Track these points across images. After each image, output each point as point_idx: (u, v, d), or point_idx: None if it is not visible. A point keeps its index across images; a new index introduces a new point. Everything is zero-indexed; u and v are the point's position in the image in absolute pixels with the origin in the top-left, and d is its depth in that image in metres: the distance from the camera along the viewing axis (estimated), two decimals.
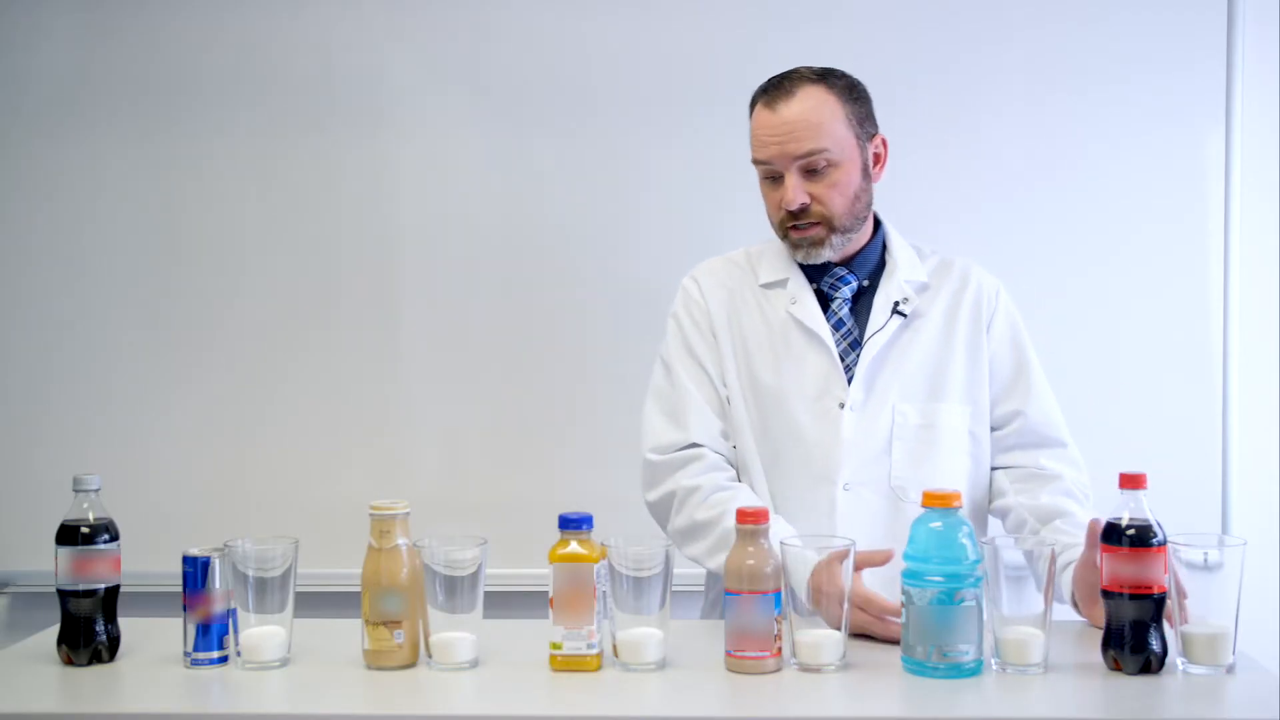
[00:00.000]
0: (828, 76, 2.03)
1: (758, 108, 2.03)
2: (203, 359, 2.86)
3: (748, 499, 1.97)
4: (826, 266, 2.08)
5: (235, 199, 2.86)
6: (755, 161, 2.04)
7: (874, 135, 2.07)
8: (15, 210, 2.89)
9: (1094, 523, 1.76)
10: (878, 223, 2.13)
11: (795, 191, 1.99)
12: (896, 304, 2.05)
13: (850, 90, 2.04)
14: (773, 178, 2.02)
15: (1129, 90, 2.75)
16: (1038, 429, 2.06)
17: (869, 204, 2.07)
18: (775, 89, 2.02)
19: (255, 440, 2.86)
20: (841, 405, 2.01)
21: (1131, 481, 1.61)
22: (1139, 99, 2.75)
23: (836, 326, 2.06)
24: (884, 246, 2.11)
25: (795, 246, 2.04)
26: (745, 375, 2.07)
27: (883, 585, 1.75)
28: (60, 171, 2.88)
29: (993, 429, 2.07)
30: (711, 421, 2.06)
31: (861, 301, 2.08)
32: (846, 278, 2.07)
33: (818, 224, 2.01)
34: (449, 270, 2.84)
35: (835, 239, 2.02)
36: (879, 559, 1.73)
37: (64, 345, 2.88)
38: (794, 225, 2.02)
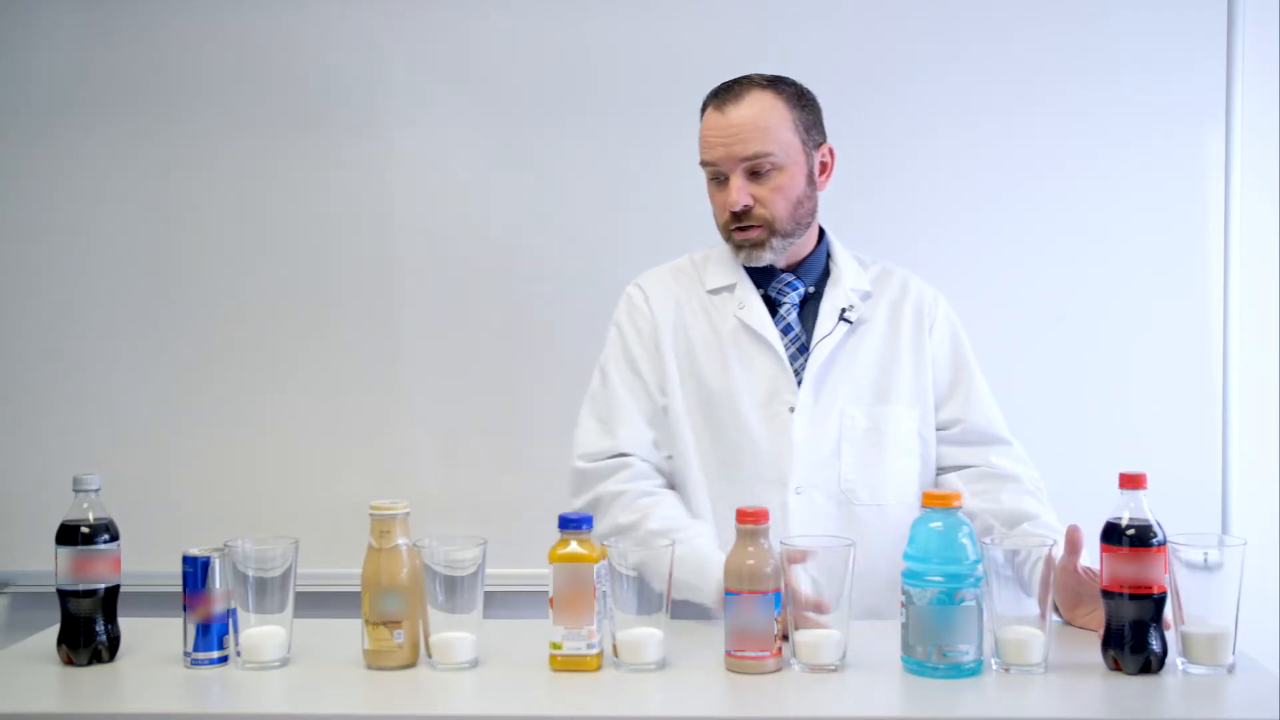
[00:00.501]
0: (777, 83, 2.06)
1: (708, 111, 2.06)
2: (203, 359, 2.86)
3: (670, 506, 2.00)
4: (774, 272, 2.10)
5: (235, 199, 2.86)
6: (703, 163, 2.06)
7: (821, 144, 2.09)
8: (15, 210, 2.89)
9: (1072, 529, 1.76)
10: (822, 232, 2.16)
11: (739, 193, 2.02)
12: (843, 310, 2.08)
13: (799, 98, 2.07)
14: (718, 179, 2.05)
15: (1129, 90, 2.75)
16: (982, 429, 2.09)
17: (813, 210, 2.09)
18: (725, 93, 2.05)
19: (255, 440, 2.86)
20: (791, 409, 2.04)
21: (1131, 481, 1.61)
22: (1139, 99, 2.75)
23: (785, 331, 2.08)
24: (828, 255, 2.14)
25: (738, 248, 2.07)
26: (692, 382, 2.08)
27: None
28: (60, 171, 2.88)
29: (937, 430, 2.10)
30: (643, 431, 2.08)
31: (808, 308, 2.11)
32: (794, 284, 2.10)
33: (760, 226, 2.04)
34: (449, 270, 2.84)
35: (776, 242, 2.05)
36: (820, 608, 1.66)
37: (64, 345, 2.88)
38: (737, 227, 2.05)
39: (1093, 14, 2.75)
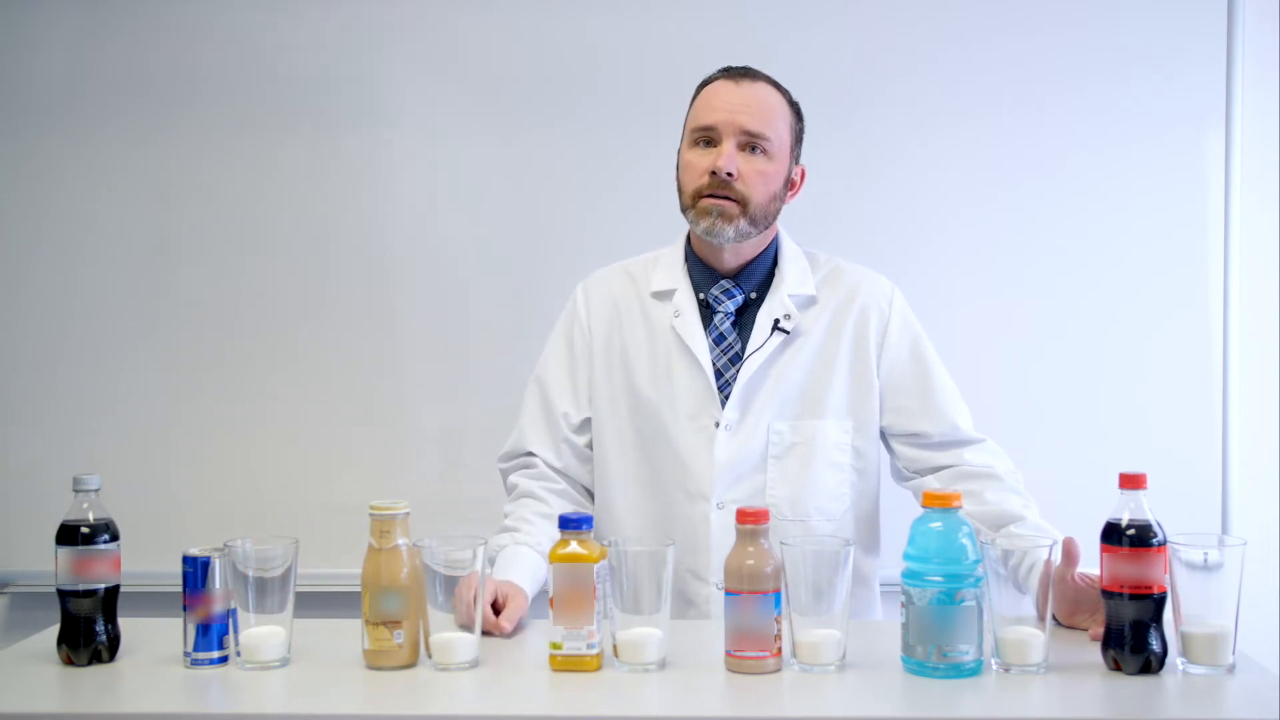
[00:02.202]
0: (781, 88, 2.09)
1: (716, 82, 2.08)
2: (203, 359, 2.86)
3: (534, 512, 2.05)
4: (714, 277, 2.09)
5: (234, 199, 2.86)
6: (695, 128, 2.06)
7: (799, 160, 2.12)
8: (14, 210, 2.89)
9: (1068, 541, 1.75)
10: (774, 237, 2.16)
11: (729, 157, 2.01)
12: (778, 321, 2.06)
13: (797, 110, 2.11)
14: (708, 143, 2.05)
15: (1129, 90, 2.75)
16: (950, 432, 2.08)
17: (776, 214, 2.10)
18: (740, 72, 2.08)
19: (255, 440, 2.85)
20: (716, 424, 2.04)
21: (1131, 481, 1.61)
22: (1139, 99, 2.75)
23: (718, 340, 2.08)
24: (774, 259, 2.12)
25: (703, 215, 2.04)
26: (623, 389, 2.10)
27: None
28: (59, 171, 2.87)
29: (906, 441, 2.09)
30: (550, 436, 2.13)
31: (746, 315, 2.10)
32: (732, 291, 2.09)
33: (735, 200, 2.02)
34: (449, 270, 2.84)
35: (742, 224, 2.03)
36: None
37: (64, 345, 2.88)
38: (712, 193, 2.02)
39: (1092, 15, 2.75)
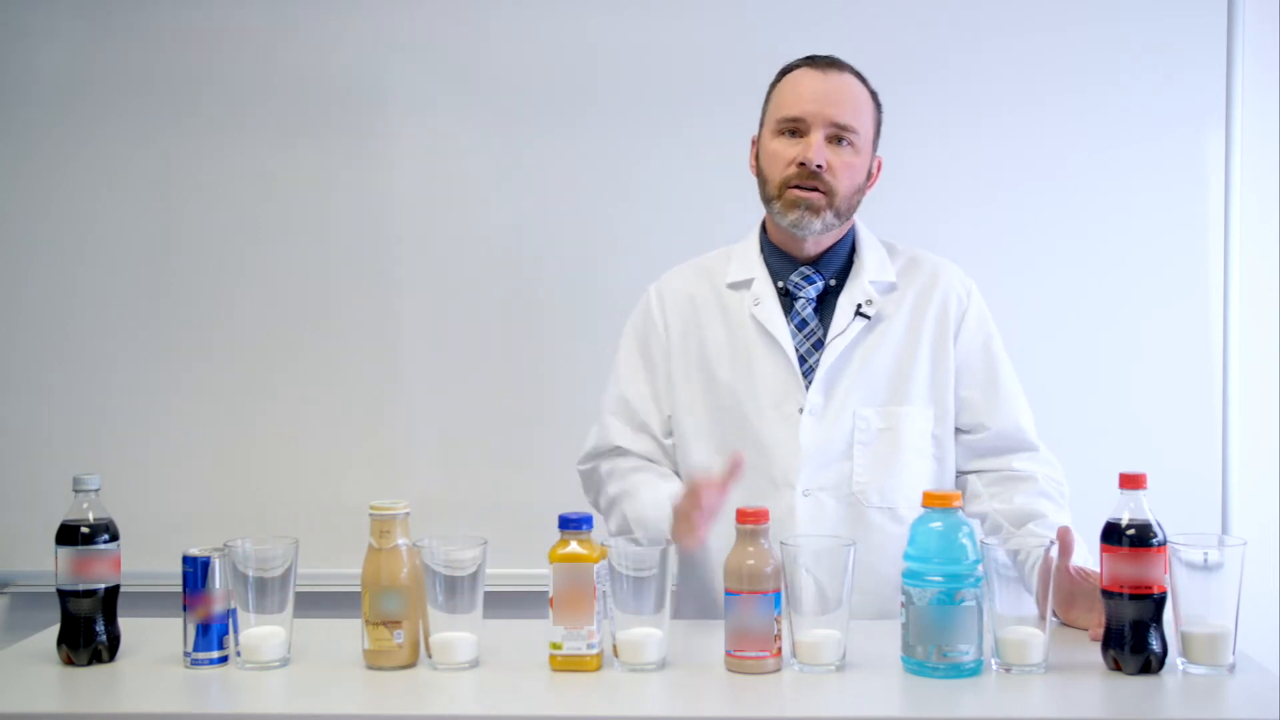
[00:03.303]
0: (865, 80, 2.06)
1: (800, 70, 2.04)
2: (203, 359, 2.86)
3: (656, 474, 2.05)
4: (794, 265, 2.07)
5: (235, 199, 2.86)
6: (782, 119, 2.01)
7: (877, 151, 2.09)
8: (14, 210, 2.89)
9: (1062, 530, 1.75)
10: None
11: (819, 148, 1.98)
12: (860, 306, 2.04)
13: (878, 102, 2.07)
14: (795, 133, 2.00)
15: (1129, 90, 2.75)
16: (1009, 434, 2.05)
17: (859, 205, 2.08)
18: (826, 62, 2.04)
19: (255, 440, 2.86)
20: (800, 410, 2.01)
21: (1131, 481, 1.60)
22: (1139, 99, 2.75)
23: (800, 326, 2.05)
24: (853, 247, 2.10)
25: (790, 207, 2.00)
26: (702, 382, 2.07)
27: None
28: (60, 172, 2.88)
29: (964, 433, 2.06)
30: (637, 434, 2.10)
31: (827, 301, 2.07)
32: (812, 277, 2.06)
33: (823, 192, 2.00)
34: (449, 271, 2.84)
35: (829, 216, 2.01)
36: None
37: (64, 345, 2.88)
38: (799, 185, 1.99)
39: (1092, 15, 2.75)
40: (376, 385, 2.85)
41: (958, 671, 1.58)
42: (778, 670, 1.62)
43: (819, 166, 1.98)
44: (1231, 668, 1.59)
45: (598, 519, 1.88)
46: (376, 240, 2.85)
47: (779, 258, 2.09)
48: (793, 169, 1.99)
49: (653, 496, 2.00)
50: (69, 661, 1.69)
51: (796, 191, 2.00)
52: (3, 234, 2.89)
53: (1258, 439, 2.78)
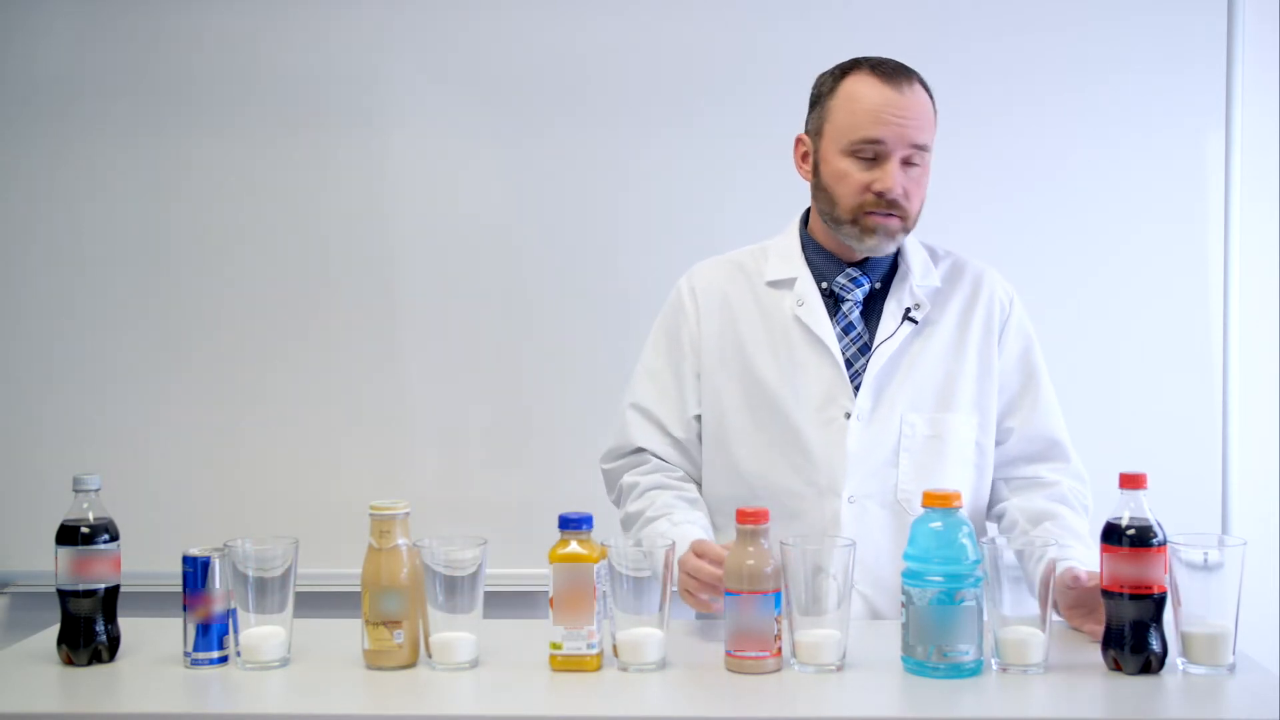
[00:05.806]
0: (926, 84, 1.98)
1: (869, 81, 1.93)
2: (203, 359, 2.86)
3: (676, 496, 2.00)
4: (839, 266, 2.02)
5: (234, 199, 2.86)
6: (859, 140, 1.92)
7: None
8: (14, 210, 2.89)
9: (1089, 574, 1.69)
10: None
11: (898, 176, 1.91)
12: (908, 310, 1.99)
13: (935, 105, 1.99)
14: (874, 157, 1.92)
15: (1129, 90, 2.75)
16: (1042, 444, 2.03)
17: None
18: (894, 70, 1.93)
19: (255, 440, 2.86)
20: (847, 415, 1.97)
21: (1131, 481, 1.60)
22: (1139, 99, 2.75)
23: (846, 330, 2.00)
24: (898, 250, 2.04)
25: (868, 233, 1.94)
26: (740, 382, 2.01)
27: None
28: (59, 172, 2.88)
29: (997, 442, 2.03)
30: (661, 434, 2.05)
31: (872, 305, 2.01)
32: (859, 280, 2.01)
33: (900, 217, 1.95)
34: (448, 270, 2.84)
35: (901, 236, 1.97)
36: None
37: (63, 345, 2.88)
38: (877, 211, 1.93)
39: (1092, 14, 2.75)
40: (376, 385, 2.85)
41: (958, 671, 1.58)
42: (778, 670, 1.62)
43: (898, 196, 1.92)
44: (1231, 668, 1.59)
45: (598, 519, 1.88)
46: (376, 240, 2.85)
47: (823, 258, 2.03)
48: (869, 196, 1.92)
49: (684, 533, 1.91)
50: (69, 661, 1.69)
51: (874, 219, 1.93)
52: (2, 234, 2.89)
53: (1258, 439, 2.78)
